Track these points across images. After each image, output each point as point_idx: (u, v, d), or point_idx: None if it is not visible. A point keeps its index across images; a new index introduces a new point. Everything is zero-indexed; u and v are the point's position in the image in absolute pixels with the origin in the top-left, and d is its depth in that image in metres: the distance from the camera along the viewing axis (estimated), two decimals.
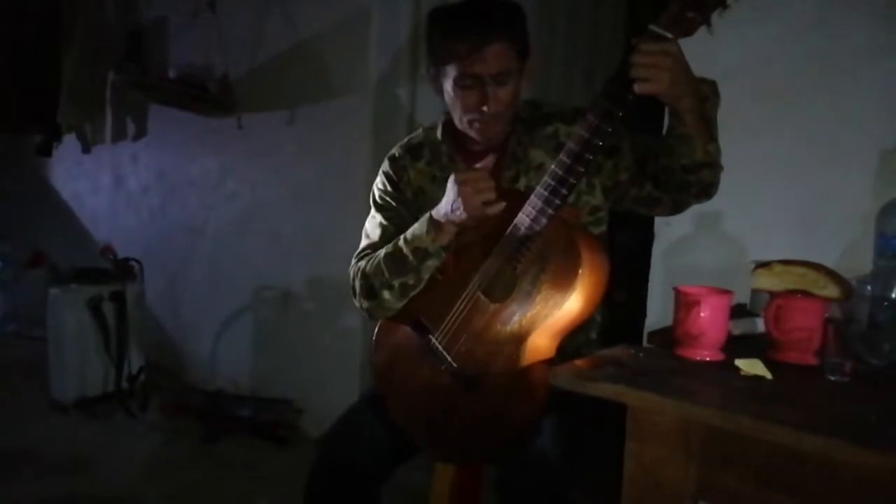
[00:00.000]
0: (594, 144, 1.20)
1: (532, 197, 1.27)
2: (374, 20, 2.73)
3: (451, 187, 1.35)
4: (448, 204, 1.35)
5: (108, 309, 3.26)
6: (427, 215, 1.40)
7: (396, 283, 1.43)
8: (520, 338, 1.28)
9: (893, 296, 1.20)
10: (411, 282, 1.42)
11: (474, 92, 1.38)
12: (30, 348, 3.63)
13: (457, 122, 1.46)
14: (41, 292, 3.44)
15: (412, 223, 1.45)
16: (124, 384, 3.26)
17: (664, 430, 1.02)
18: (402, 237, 1.43)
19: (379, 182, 1.59)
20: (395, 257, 1.42)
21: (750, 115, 1.71)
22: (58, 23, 3.90)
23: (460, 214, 1.32)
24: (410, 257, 1.40)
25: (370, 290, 1.47)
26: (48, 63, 3.91)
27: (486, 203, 1.30)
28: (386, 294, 1.45)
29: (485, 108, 1.38)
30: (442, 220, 1.37)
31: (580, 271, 1.21)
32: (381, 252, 1.46)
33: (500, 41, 1.35)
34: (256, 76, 3.16)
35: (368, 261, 1.49)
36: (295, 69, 3.02)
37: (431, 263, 1.40)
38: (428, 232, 1.38)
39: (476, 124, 1.42)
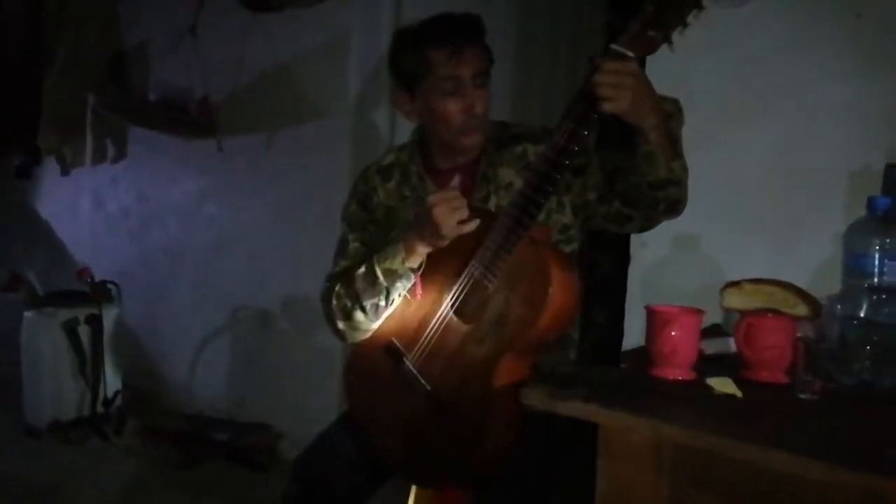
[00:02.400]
0: (561, 164, 1.21)
1: (501, 216, 1.27)
2: (352, 43, 2.75)
3: (422, 210, 1.34)
4: (420, 226, 1.34)
5: (84, 332, 3.21)
6: (397, 237, 1.40)
7: (368, 303, 1.42)
8: (493, 358, 1.27)
9: (862, 314, 1.21)
10: (382, 303, 1.41)
11: (457, 98, 1.40)
12: (5, 372, 3.57)
13: (443, 135, 1.46)
14: (18, 316, 3.39)
15: (382, 243, 1.44)
16: (99, 408, 3.21)
17: (635, 448, 1.01)
18: (373, 258, 1.42)
19: (349, 202, 1.59)
20: (367, 278, 1.42)
21: (723, 137, 1.73)
22: (39, 45, 3.89)
23: (436, 235, 1.32)
24: (381, 278, 1.39)
25: (344, 310, 1.46)
26: (29, 85, 3.89)
27: (461, 222, 1.31)
28: (359, 315, 1.44)
29: (477, 110, 1.41)
30: (413, 242, 1.37)
31: (550, 290, 1.21)
32: (355, 273, 1.46)
33: (474, 44, 1.41)
34: (237, 99, 3.15)
35: (342, 282, 1.48)
36: (275, 92, 3.02)
37: (401, 285, 1.39)
38: (398, 254, 1.38)
39: (466, 130, 1.43)
